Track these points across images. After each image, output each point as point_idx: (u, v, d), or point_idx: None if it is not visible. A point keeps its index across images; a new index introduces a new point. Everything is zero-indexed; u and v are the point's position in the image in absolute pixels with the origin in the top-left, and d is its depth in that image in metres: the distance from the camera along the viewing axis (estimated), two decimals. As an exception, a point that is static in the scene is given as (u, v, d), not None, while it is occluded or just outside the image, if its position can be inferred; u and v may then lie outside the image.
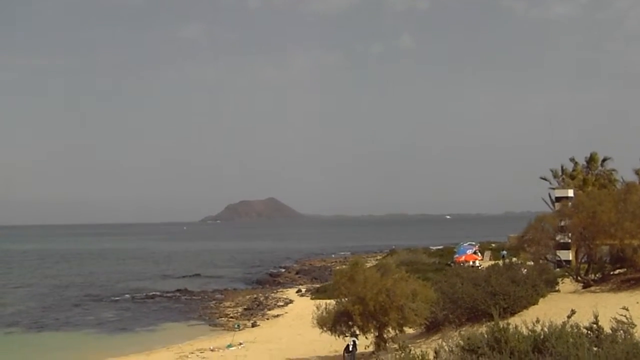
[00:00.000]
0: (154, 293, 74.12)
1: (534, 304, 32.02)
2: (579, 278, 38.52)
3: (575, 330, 13.46)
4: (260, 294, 68.40)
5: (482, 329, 15.69)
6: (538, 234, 41.48)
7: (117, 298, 71.32)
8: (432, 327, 32.56)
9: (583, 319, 14.38)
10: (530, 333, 13.29)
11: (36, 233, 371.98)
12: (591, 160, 73.66)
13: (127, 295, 72.92)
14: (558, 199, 52.80)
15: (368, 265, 43.31)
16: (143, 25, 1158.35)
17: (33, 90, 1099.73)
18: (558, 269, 41.31)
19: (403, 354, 15.09)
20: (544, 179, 73.51)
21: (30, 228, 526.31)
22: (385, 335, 32.10)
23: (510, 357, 12.27)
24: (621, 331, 13.76)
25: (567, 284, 38.48)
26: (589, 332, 13.83)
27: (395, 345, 24.54)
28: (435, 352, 15.18)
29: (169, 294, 73.18)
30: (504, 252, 68.33)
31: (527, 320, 14.29)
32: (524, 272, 35.65)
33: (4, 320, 57.10)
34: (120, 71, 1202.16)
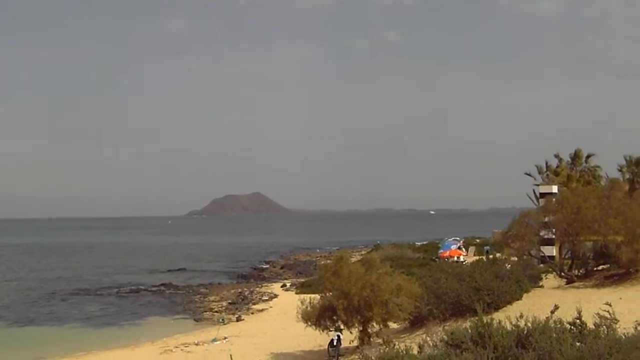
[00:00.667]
0: (138, 287, 73.92)
1: (517, 300, 32.18)
2: (562, 274, 38.74)
3: (559, 325, 13.56)
4: (245, 289, 68.30)
5: (466, 324, 15.76)
6: (522, 229, 41.70)
7: (102, 292, 71.04)
8: (416, 322, 32.66)
9: (566, 315, 14.48)
10: (513, 328, 13.38)
11: (22, 227, 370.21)
12: (575, 156, 73.96)
13: (112, 290, 72.67)
14: (542, 195, 52.99)
15: (353, 260, 43.36)
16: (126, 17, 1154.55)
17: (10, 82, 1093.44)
18: (542, 265, 41.47)
19: (387, 348, 15.14)
20: (529, 174, 73.80)
21: (14, 222, 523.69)
22: (369, 330, 32.17)
23: (493, 352, 12.35)
24: (604, 326, 13.86)
25: (550, 280, 38.69)
26: (572, 327, 13.93)
27: (380, 340, 24.61)
28: (419, 347, 15.24)
29: (153, 288, 73.00)
30: (488, 247, 68.55)
31: (510, 316, 14.39)
32: (507, 267, 35.82)
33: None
34: (103, 63, 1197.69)
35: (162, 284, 75.43)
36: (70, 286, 76.13)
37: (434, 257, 69.89)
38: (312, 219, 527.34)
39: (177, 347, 40.11)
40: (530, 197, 67.49)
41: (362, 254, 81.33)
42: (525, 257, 40.58)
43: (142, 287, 73.65)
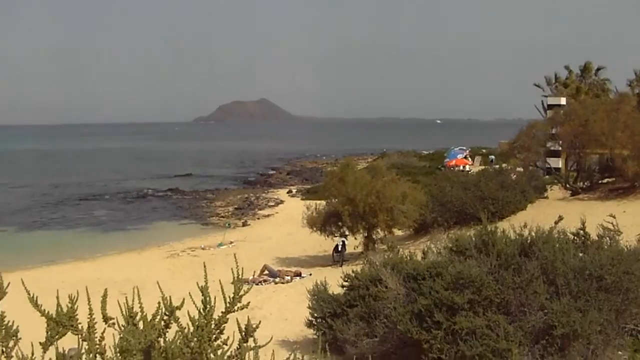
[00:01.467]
0: (145, 192, 74.26)
1: (522, 210, 32.42)
2: (567, 186, 38.90)
3: (562, 235, 13.69)
4: (251, 194, 68.70)
5: (470, 232, 15.93)
6: (529, 140, 41.71)
7: (109, 197, 71.45)
8: (421, 230, 33.00)
9: (570, 226, 14.61)
10: (517, 237, 13.51)
11: (30, 133, 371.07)
12: (585, 69, 73.33)
13: (119, 195, 73.00)
14: (550, 107, 52.79)
15: (359, 167, 43.53)
16: None
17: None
18: (547, 176, 41.62)
19: (391, 254, 15.35)
20: (538, 85, 73.37)
21: (23, 128, 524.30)
22: (374, 236, 32.54)
23: (497, 260, 12.50)
24: (607, 238, 14.03)
25: (555, 191, 38.85)
26: (575, 238, 14.09)
27: (384, 246, 24.90)
28: (423, 253, 15.45)
29: (160, 193, 73.40)
30: (492, 156, 68.65)
31: (514, 225, 14.50)
32: (513, 177, 35.97)
33: (-3, 220, 57.40)
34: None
35: (169, 189, 75.79)
36: (78, 191, 76.45)
37: (439, 166, 69.98)
38: (318, 126, 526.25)
39: (183, 251, 40.61)
40: (538, 109, 67.28)
41: (368, 162, 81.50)
42: (530, 168, 40.70)
43: (149, 193, 73.94)
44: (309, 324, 16.07)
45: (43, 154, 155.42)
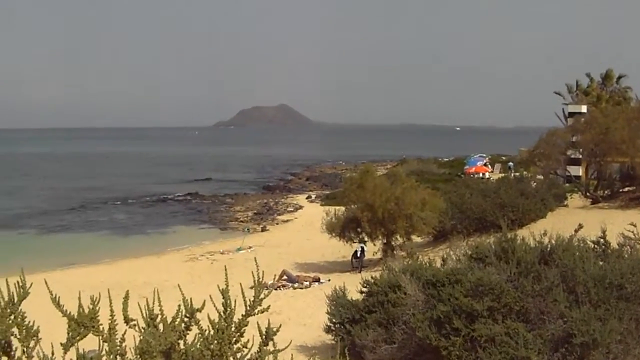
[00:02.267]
0: (165, 196, 74.64)
1: (542, 218, 32.27)
2: (587, 194, 38.72)
3: (582, 244, 13.64)
4: (270, 199, 68.82)
5: (490, 239, 15.89)
6: (549, 148, 41.57)
7: (130, 201, 71.87)
8: (440, 237, 32.94)
9: (590, 234, 14.55)
10: (537, 244, 13.47)
11: (48, 136, 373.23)
12: (607, 77, 72.99)
13: (140, 199, 73.43)
14: (571, 115, 52.53)
15: (378, 173, 43.50)
16: None
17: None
18: (567, 184, 41.44)
19: (410, 260, 15.35)
20: (558, 93, 73.08)
21: (41, 131, 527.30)
22: (393, 243, 32.52)
23: (516, 267, 12.47)
24: (628, 247, 13.96)
25: (575, 200, 38.68)
26: (595, 246, 14.02)
27: (403, 253, 24.86)
28: (443, 260, 15.44)
29: (180, 198, 73.78)
30: (511, 163, 68.48)
31: (534, 233, 14.46)
32: (533, 185, 35.85)
33: (18, 223, 57.76)
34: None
35: (189, 194, 76.13)
36: (99, 195, 76.83)
37: (459, 173, 69.87)
38: (337, 132, 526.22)
39: (202, 255, 40.73)
40: (558, 116, 66.93)
41: (387, 168, 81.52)
42: (551, 176, 40.56)
43: (169, 197, 74.36)
44: (328, 330, 16.08)
45: (63, 158, 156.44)
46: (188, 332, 4.62)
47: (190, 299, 4.63)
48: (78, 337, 4.68)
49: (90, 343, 4.76)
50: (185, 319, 4.63)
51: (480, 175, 65.58)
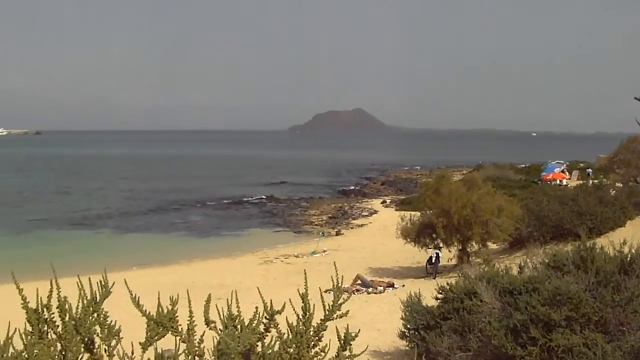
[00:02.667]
0: (240, 199, 75.30)
1: (620, 226, 31.59)
2: (669, 202, 37.77)
3: (664, 253, 13.33)
4: (345, 204, 68.89)
5: (568, 248, 15.65)
6: (629, 155, 40.77)
7: (205, 203, 72.71)
8: (516, 244, 32.52)
9: (672, 243, 14.21)
10: (617, 254, 13.22)
11: (130, 138, 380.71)
12: (691, 81, 71.18)
13: (215, 201, 74.22)
14: (653, 121, 51.33)
15: (454, 179, 43.21)
16: None
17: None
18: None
19: (487, 267, 15.21)
20: (638, 99, 71.52)
21: (123, 133, 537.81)
22: (468, 249, 32.28)
23: (595, 277, 12.26)
24: None
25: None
26: (677, 256, 13.69)
27: (479, 260, 24.65)
28: (519, 268, 15.25)
29: (255, 200, 74.37)
30: (589, 170, 67.21)
31: (614, 242, 14.19)
32: (612, 193, 35.17)
33: (97, 222, 59.08)
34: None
35: (264, 197, 76.70)
36: (175, 197, 77.98)
37: (536, 180, 68.94)
38: (412, 136, 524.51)
39: (276, 258, 40.99)
40: (639, 123, 65.50)
41: (463, 174, 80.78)
42: (630, 183, 39.73)
43: (244, 199, 74.99)
44: (402, 335, 16.02)
45: (145, 159, 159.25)
46: (267, 334, 4.64)
47: (270, 300, 4.66)
48: (156, 337, 4.72)
49: (166, 343, 4.85)
50: (265, 321, 4.64)
51: (558, 182, 64.64)
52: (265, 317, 4.64)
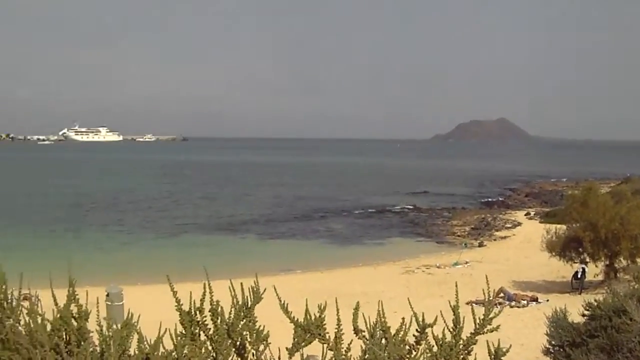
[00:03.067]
0: (382, 208, 75.51)
1: None
2: None
3: None
4: (488, 215, 68.06)
5: None
6: None
7: (347, 211, 73.30)
8: (669, 261, 31.39)
9: None
10: None
11: (268, 146, 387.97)
12: None
13: (357, 209, 74.68)
14: None
15: (601, 191, 42.09)
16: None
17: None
18: None
19: (637, 285, 14.81)
20: None
21: (260, 141, 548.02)
22: (616, 265, 31.37)
23: None
24: None
25: None
26: None
27: (628, 276, 23.92)
28: (672, 287, 14.77)
29: (397, 210, 74.43)
30: None
31: None
32: None
33: (242, 228, 60.67)
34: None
35: (406, 206, 76.64)
36: (319, 205, 78.88)
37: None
38: (557, 147, 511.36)
39: (418, 268, 40.93)
40: None
41: (610, 186, 78.32)
42: None
43: (386, 208, 75.14)
44: (546, 352, 15.74)
45: (285, 167, 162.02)
46: (418, 346, 4.62)
47: (423, 314, 4.63)
48: (303, 343, 4.77)
49: (312, 349, 4.94)
50: (416, 333, 4.64)
51: None
52: (417, 330, 4.62)
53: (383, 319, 4.79)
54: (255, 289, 4.88)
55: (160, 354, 4.70)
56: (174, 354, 4.69)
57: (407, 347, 4.63)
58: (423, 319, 4.62)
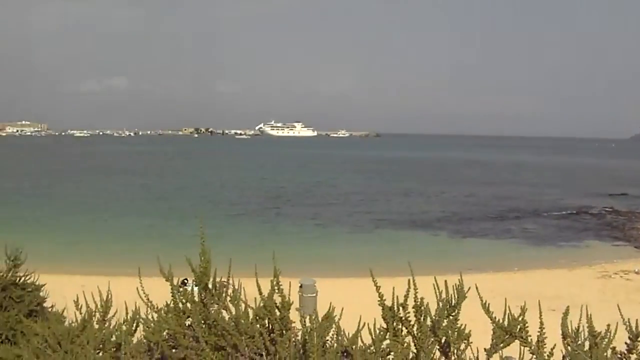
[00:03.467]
0: (578, 209, 73.32)
1: None
2: None
3: None
4: (694, 220, 64.77)
5: None
6: None
7: (542, 212, 71.77)
8: None
9: None
10: None
11: (462, 143, 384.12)
12: None
13: (552, 210, 72.92)
14: None
15: None
16: None
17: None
18: None
19: None
20: None
21: (453, 138, 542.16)
22: None
23: None
24: None
25: None
26: None
27: None
28: None
29: (594, 211, 72.13)
30: None
31: None
32: None
33: (435, 225, 60.96)
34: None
35: (604, 208, 74.15)
36: (513, 204, 77.60)
37: None
38: None
39: (615, 273, 39.65)
40: None
41: None
42: None
43: (582, 210, 73.04)
44: None
45: (480, 164, 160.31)
46: (630, 355, 4.45)
47: (637, 320, 4.40)
48: (502, 345, 4.76)
49: (509, 351, 4.86)
50: (628, 341, 4.47)
51: None
52: (629, 337, 4.46)
53: (589, 324, 4.66)
54: (460, 287, 4.93)
55: (358, 347, 4.91)
56: (372, 347, 4.87)
57: (618, 355, 4.52)
58: (637, 326, 4.40)
